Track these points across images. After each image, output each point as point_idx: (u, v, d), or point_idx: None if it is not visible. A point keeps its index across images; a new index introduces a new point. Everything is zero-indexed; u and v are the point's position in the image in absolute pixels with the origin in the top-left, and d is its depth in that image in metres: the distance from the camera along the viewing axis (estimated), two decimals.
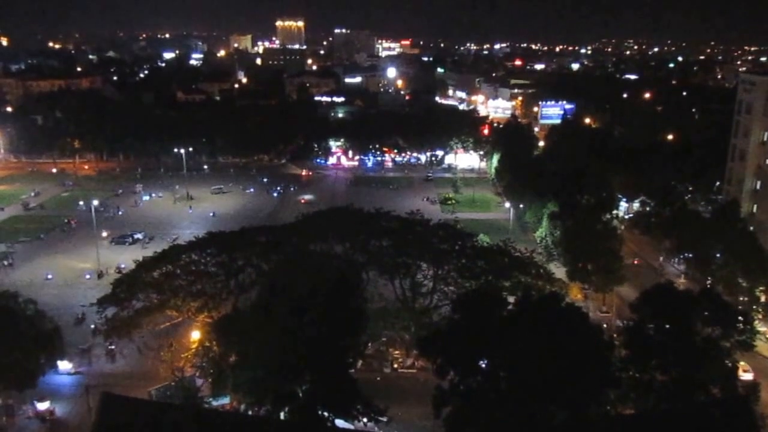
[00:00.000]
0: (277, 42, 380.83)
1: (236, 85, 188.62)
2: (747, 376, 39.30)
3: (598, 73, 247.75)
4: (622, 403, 31.25)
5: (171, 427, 24.81)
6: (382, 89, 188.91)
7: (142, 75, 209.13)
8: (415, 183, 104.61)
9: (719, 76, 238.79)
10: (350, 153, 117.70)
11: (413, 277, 46.99)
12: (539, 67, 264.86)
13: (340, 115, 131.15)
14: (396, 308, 45.90)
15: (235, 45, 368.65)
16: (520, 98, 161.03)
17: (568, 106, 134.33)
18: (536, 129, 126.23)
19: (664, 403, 30.11)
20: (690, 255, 56.99)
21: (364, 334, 38.28)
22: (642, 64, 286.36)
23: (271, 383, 31.50)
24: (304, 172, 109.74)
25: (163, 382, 40.44)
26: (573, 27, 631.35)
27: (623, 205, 77.94)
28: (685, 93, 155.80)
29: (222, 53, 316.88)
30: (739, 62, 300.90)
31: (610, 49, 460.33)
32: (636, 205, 75.99)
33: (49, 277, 60.20)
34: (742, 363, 36.95)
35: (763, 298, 49.03)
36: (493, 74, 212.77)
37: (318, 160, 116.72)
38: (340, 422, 32.37)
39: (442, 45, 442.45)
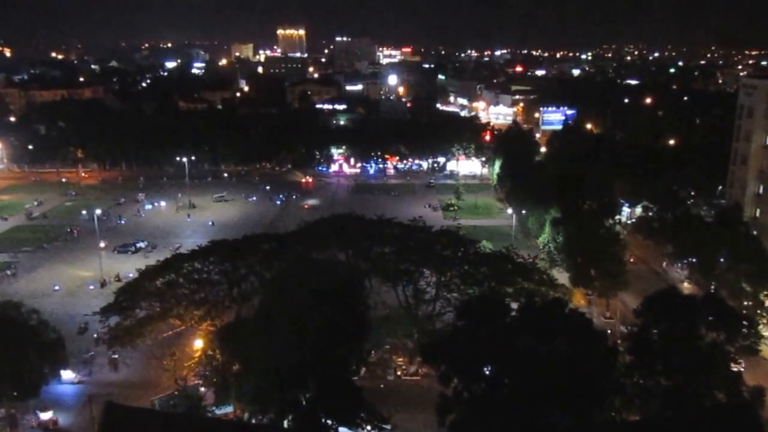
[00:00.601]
0: (279, 50, 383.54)
1: (238, 94, 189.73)
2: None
3: (598, 78, 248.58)
4: (626, 409, 31.06)
5: None
6: (383, 96, 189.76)
7: (144, 84, 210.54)
8: (417, 190, 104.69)
9: (720, 81, 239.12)
10: (352, 160, 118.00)
11: (416, 284, 46.93)
12: (540, 73, 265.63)
13: (342, 123, 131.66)
14: (399, 315, 45.85)
15: (237, 54, 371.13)
16: (521, 104, 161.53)
17: (569, 112, 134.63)
18: (538, 135, 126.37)
19: (669, 409, 29.93)
20: (693, 260, 56.78)
21: (367, 342, 38.22)
22: (643, 69, 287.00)
23: (275, 391, 31.43)
24: (305, 180, 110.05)
25: (166, 391, 40.40)
26: (573, 33, 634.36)
27: (626, 210, 77.81)
28: (686, 98, 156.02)
29: (224, 62, 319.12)
30: (739, 66, 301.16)
31: (610, 55, 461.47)
32: (638, 210, 75.86)
33: (56, 288, 59.96)
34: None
35: (767, 303, 48.78)
36: (494, 81, 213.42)
37: (320, 168, 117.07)
38: (343, 430, 32.25)
39: (442, 52, 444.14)
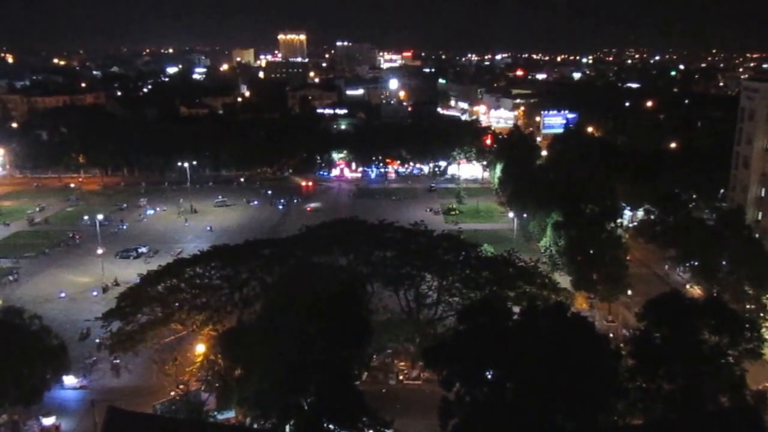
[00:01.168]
0: (280, 55, 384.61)
1: (239, 99, 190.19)
2: None
3: (599, 82, 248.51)
4: (629, 413, 30.94)
5: None
6: (384, 101, 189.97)
7: (145, 90, 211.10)
8: (419, 194, 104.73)
9: (721, 84, 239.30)
10: (353, 165, 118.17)
11: (418, 289, 46.90)
12: (541, 77, 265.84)
13: (343, 127, 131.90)
14: (401, 320, 45.76)
15: (238, 59, 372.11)
16: (522, 108, 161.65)
17: (570, 116, 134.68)
18: (539, 139, 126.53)
19: (672, 413, 29.82)
20: (695, 263, 56.68)
21: (369, 346, 38.19)
22: (643, 73, 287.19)
23: (276, 396, 31.39)
24: (305, 184, 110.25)
25: (168, 396, 40.34)
26: (574, 36, 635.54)
27: (627, 213, 77.75)
28: (687, 101, 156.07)
29: (225, 67, 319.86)
30: (741, 69, 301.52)
31: (611, 58, 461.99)
32: (640, 213, 75.76)
33: (62, 295, 59.66)
34: None
35: None
36: (495, 85, 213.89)
37: (321, 172, 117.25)
38: None
39: (443, 56, 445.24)
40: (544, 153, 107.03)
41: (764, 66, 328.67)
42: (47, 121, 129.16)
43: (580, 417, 27.67)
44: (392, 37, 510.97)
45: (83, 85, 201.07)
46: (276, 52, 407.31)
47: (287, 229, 72.10)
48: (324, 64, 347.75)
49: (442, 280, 46.73)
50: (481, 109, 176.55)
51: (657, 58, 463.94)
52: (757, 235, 56.56)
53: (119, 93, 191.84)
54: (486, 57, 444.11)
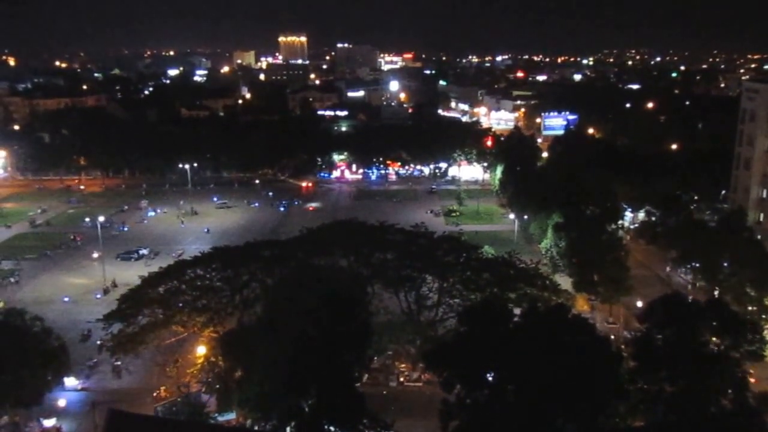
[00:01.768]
0: (280, 57, 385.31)
1: (240, 101, 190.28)
2: None
3: (600, 83, 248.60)
4: (631, 415, 30.88)
5: None
6: (384, 103, 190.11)
7: (146, 92, 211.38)
8: (419, 195, 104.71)
9: (722, 85, 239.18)
10: (354, 166, 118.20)
11: (418, 290, 46.88)
12: (541, 78, 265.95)
13: (343, 129, 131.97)
14: (401, 321, 45.73)
15: (239, 61, 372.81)
16: (522, 110, 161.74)
17: (570, 117, 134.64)
18: (539, 140, 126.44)
19: (674, 415, 29.74)
20: (697, 264, 56.60)
21: (369, 348, 38.12)
22: (644, 74, 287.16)
23: (277, 398, 31.37)
24: (305, 185, 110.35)
25: (169, 397, 40.31)
26: (574, 38, 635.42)
27: (628, 215, 77.66)
28: (688, 102, 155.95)
29: (225, 69, 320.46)
30: (741, 70, 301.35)
31: (612, 60, 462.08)
32: (641, 214, 75.71)
33: (66, 299, 59.32)
34: None
35: None
36: (495, 86, 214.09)
37: (322, 174, 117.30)
38: None
39: (444, 58, 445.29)
40: (544, 154, 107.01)
41: (765, 67, 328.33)
42: (49, 124, 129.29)
43: (581, 419, 27.61)
44: (393, 38, 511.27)
45: (84, 87, 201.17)
46: (277, 54, 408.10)
47: (288, 230, 72.12)
48: (324, 66, 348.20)
49: (443, 282, 46.71)
50: (481, 110, 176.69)
51: (658, 59, 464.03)
52: (758, 237, 56.48)
53: (120, 95, 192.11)
54: (486, 58, 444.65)
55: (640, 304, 48.34)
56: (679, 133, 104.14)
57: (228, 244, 55.78)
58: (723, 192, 73.73)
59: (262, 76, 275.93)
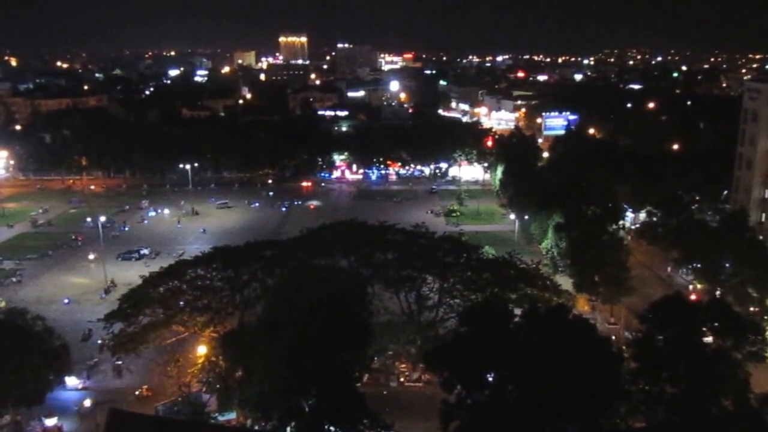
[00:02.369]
0: (281, 58, 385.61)
1: (240, 101, 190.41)
2: None
3: (601, 83, 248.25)
4: (631, 416, 30.84)
5: None
6: (385, 103, 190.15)
7: (147, 92, 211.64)
8: (420, 196, 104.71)
9: (724, 85, 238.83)
10: (354, 166, 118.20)
11: (418, 291, 46.86)
12: (542, 78, 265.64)
13: (344, 129, 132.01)
14: (402, 322, 45.72)
15: (239, 61, 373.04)
16: (523, 110, 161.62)
17: (571, 117, 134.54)
18: (540, 140, 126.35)
19: (675, 416, 29.69)
20: (698, 265, 56.51)
21: (369, 348, 38.14)
22: (645, 74, 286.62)
23: (277, 398, 31.38)
24: (305, 185, 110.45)
25: (170, 397, 40.35)
26: (575, 38, 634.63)
27: (629, 215, 77.59)
28: (689, 102, 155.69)
29: (226, 70, 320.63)
30: (743, 70, 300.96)
31: (612, 60, 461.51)
32: (642, 215, 75.61)
33: (66, 301, 59.11)
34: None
35: None
36: (496, 86, 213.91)
37: (322, 174, 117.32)
38: None
39: (444, 58, 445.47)
40: (545, 155, 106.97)
41: (767, 67, 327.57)
42: (50, 124, 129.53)
43: (581, 420, 27.57)
44: (393, 38, 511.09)
45: (86, 87, 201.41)
46: (277, 54, 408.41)
47: (288, 231, 72.13)
48: (325, 66, 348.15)
49: (443, 282, 46.69)
50: (482, 110, 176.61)
51: (659, 58, 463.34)
52: (760, 237, 56.38)
53: (121, 96, 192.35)
54: (487, 58, 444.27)
55: (640, 304, 48.24)
56: (681, 133, 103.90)
57: (229, 244, 55.76)
58: (725, 192, 73.60)
59: (262, 77, 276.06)
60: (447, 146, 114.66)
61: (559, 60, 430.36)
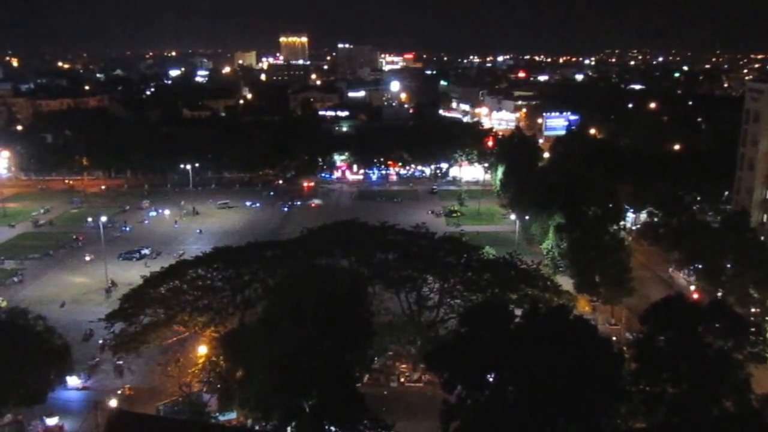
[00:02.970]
0: (281, 58, 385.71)
1: (241, 102, 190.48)
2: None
3: (602, 83, 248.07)
4: (632, 417, 30.83)
5: None
6: (385, 103, 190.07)
7: (148, 93, 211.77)
8: (420, 196, 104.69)
9: (725, 85, 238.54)
10: (355, 167, 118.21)
11: (419, 291, 46.86)
12: (543, 78, 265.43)
13: (344, 130, 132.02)
14: (402, 322, 45.72)
15: (240, 62, 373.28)
16: (523, 110, 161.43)
17: (572, 118, 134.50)
18: (541, 141, 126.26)
19: (676, 417, 29.66)
20: (700, 266, 56.45)
21: (370, 349, 38.15)
22: (647, 74, 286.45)
23: (278, 398, 31.38)
24: (306, 184, 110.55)
25: (170, 397, 40.39)
26: (576, 38, 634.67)
27: (630, 215, 77.50)
28: (691, 102, 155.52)
29: (227, 70, 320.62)
30: (745, 70, 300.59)
31: (614, 60, 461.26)
32: (643, 215, 75.53)
33: (60, 304, 58.47)
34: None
35: None
36: (497, 86, 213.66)
37: (323, 175, 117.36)
38: None
39: (445, 58, 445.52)
40: (546, 155, 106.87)
41: None
42: (51, 124, 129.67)
43: (582, 420, 27.55)
44: (394, 39, 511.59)
45: (87, 88, 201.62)
46: (278, 54, 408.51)
47: (289, 231, 72.14)
48: (325, 67, 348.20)
49: (444, 283, 46.68)
50: (482, 111, 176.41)
51: (660, 59, 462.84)
52: (762, 238, 56.31)
53: (122, 96, 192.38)
54: (488, 59, 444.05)
55: (641, 305, 48.20)
56: (682, 133, 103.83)
57: (229, 244, 55.80)
58: (726, 193, 73.49)
59: (263, 77, 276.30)
60: (447, 146, 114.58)
61: (560, 60, 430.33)
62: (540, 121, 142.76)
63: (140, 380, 44.47)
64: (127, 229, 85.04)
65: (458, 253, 49.61)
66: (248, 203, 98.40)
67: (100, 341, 47.53)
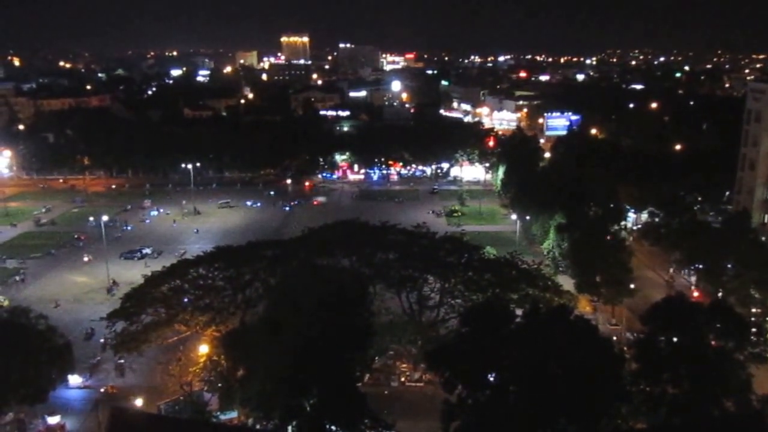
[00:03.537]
0: (283, 58, 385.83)
1: (242, 101, 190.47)
2: None
3: (603, 83, 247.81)
4: (633, 417, 30.81)
5: None
6: (386, 103, 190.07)
7: (150, 92, 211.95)
8: (421, 196, 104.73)
9: (727, 85, 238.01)
10: (356, 167, 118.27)
11: (420, 291, 46.91)
12: (544, 78, 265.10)
13: (345, 129, 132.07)
14: (403, 322, 45.77)
15: (241, 61, 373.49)
16: (525, 110, 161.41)
17: (573, 117, 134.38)
18: (542, 141, 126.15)
19: (677, 417, 29.66)
20: (701, 266, 56.42)
21: (371, 348, 38.17)
22: (648, 74, 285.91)
23: (279, 397, 31.44)
24: (307, 184, 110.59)
25: (171, 396, 40.47)
26: (577, 38, 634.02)
27: (631, 216, 77.47)
28: (692, 103, 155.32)
29: (228, 70, 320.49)
30: (747, 71, 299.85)
31: (615, 60, 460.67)
32: (644, 216, 75.49)
33: (57, 306, 57.83)
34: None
35: None
36: (498, 86, 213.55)
37: (324, 174, 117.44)
38: None
39: (446, 58, 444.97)
40: (547, 155, 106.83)
41: None
42: (53, 124, 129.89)
43: (582, 421, 27.56)
44: (395, 38, 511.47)
45: (89, 87, 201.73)
46: (279, 54, 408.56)
47: (290, 230, 72.20)
48: (327, 66, 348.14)
49: (445, 283, 46.71)
50: (483, 110, 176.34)
51: (662, 59, 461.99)
52: (763, 239, 56.28)
53: (124, 95, 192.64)
54: (489, 59, 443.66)
55: (642, 305, 48.20)
56: (683, 133, 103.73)
57: (230, 244, 55.89)
58: (727, 193, 73.44)
59: (264, 77, 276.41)
60: (448, 146, 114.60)
61: (562, 60, 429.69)
62: (541, 121, 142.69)
63: (142, 379, 44.54)
64: (129, 228, 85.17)
65: (459, 253, 49.64)
66: (249, 203, 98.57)
67: (102, 340, 47.62)
